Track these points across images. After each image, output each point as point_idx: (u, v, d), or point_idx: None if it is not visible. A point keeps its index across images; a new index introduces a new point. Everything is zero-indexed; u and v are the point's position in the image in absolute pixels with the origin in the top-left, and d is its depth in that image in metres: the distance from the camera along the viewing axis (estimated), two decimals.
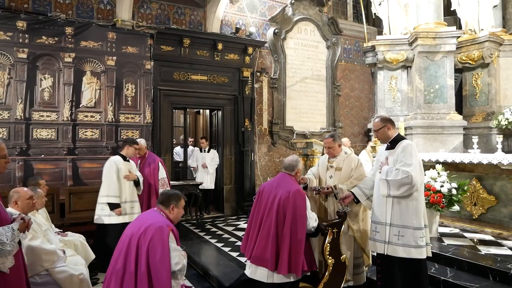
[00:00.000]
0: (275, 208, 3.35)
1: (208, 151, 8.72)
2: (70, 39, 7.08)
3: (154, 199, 5.58)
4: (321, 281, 3.48)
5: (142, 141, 5.91)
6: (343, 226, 3.71)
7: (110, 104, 7.45)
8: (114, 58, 7.48)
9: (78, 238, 4.69)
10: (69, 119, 7.09)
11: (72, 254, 4.18)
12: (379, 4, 10.01)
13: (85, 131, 7.26)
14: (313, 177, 4.22)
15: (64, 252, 3.93)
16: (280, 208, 3.34)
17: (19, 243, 2.59)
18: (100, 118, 7.39)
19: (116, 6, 7.79)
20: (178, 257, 2.85)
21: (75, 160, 7.11)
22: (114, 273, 2.82)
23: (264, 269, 3.32)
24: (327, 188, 3.97)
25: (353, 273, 4.02)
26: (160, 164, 6.00)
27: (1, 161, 2.63)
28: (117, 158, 5.25)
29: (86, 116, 7.29)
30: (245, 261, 3.73)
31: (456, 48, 8.96)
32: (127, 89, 7.66)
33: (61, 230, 4.85)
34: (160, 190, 5.64)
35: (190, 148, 9.77)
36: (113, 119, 7.46)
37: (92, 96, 7.33)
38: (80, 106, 7.23)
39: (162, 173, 5.96)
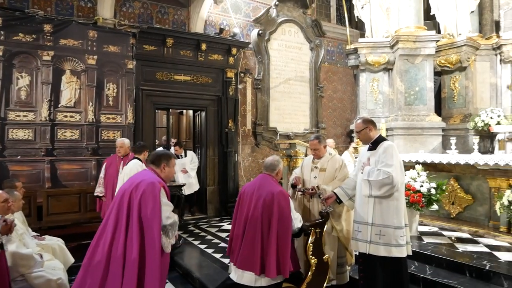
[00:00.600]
0: (260, 210, 3.31)
1: (185, 155, 8.61)
2: (48, 37, 6.93)
3: None
4: (304, 281, 3.50)
5: (126, 141, 5.84)
6: (326, 226, 3.74)
7: (91, 104, 7.32)
8: (95, 57, 7.35)
9: (56, 242, 4.59)
10: (48, 119, 6.93)
11: (49, 258, 4.09)
12: (362, 8, 10.16)
13: (64, 132, 7.12)
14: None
15: (41, 256, 3.84)
16: (264, 210, 3.30)
17: (2, 246, 2.53)
18: (80, 118, 7.26)
19: (97, 4, 7.66)
20: (169, 212, 2.85)
21: (53, 162, 6.95)
22: (105, 229, 2.81)
23: (251, 273, 3.29)
24: (311, 189, 4.00)
25: (337, 272, 4.06)
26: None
27: None
28: (139, 162, 5.26)
29: (66, 116, 7.14)
30: (228, 263, 3.70)
31: (436, 51, 9.18)
32: (109, 89, 7.55)
33: (38, 234, 4.74)
34: None
35: (172, 149, 9.68)
36: (94, 119, 7.34)
37: (71, 95, 7.19)
38: (59, 106, 7.08)
39: None
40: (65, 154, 7.09)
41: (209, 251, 5.86)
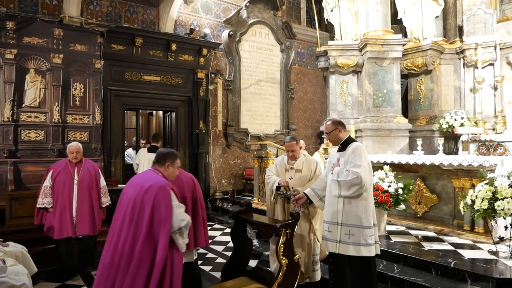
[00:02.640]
0: (191, 195, 3.50)
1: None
2: (11, 35, 6.65)
3: (97, 213, 5.06)
4: (275, 282, 3.51)
5: (80, 145, 5.18)
6: (296, 227, 3.76)
7: (56, 104, 7.08)
8: (61, 55, 7.12)
9: (20, 249, 4.39)
10: (10, 119, 6.65)
11: (13, 263, 3.92)
12: (331, 11, 10.32)
13: (29, 133, 6.85)
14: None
15: (4, 262, 3.67)
16: (191, 194, 3.51)
17: None
18: (45, 119, 7.01)
19: (63, 1, 7.43)
20: (182, 214, 2.89)
21: (17, 163, 6.67)
22: (119, 237, 2.83)
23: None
24: (295, 194, 3.99)
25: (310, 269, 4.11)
26: (99, 171, 5.41)
27: None
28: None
29: (30, 117, 6.88)
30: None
31: (402, 55, 9.44)
32: (75, 89, 7.33)
33: (1, 239, 4.53)
34: (102, 200, 5.19)
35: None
36: (60, 120, 7.10)
37: (36, 95, 6.93)
38: (23, 105, 6.81)
39: (103, 181, 5.31)
40: (29, 155, 6.83)
41: None
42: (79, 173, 4.98)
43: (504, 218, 4.33)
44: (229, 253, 5.02)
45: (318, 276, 4.20)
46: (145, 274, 2.72)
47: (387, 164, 6.00)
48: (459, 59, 10.15)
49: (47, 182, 4.95)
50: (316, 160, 4.41)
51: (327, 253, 4.13)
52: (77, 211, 4.87)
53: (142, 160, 6.95)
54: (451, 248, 4.77)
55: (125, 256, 2.76)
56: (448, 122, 9.17)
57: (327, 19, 10.73)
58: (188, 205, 3.39)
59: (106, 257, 2.86)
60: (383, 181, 5.37)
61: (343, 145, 3.61)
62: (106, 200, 5.25)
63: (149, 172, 3.10)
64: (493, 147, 8.23)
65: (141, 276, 2.71)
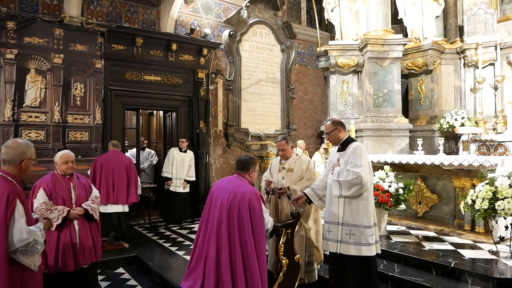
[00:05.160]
0: (129, 169, 5.86)
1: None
2: (12, 34, 6.65)
3: (98, 235, 4.17)
4: (275, 282, 3.51)
5: (71, 154, 4.17)
6: (296, 227, 3.76)
7: (57, 104, 7.08)
8: (61, 55, 7.12)
9: None
10: (11, 119, 6.65)
11: None
12: (332, 10, 10.33)
13: (29, 133, 6.85)
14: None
15: None
16: (129, 168, 5.85)
17: (45, 242, 2.73)
18: (45, 119, 7.01)
19: (63, 1, 7.43)
20: (268, 217, 3.24)
21: None
22: (210, 239, 3.11)
23: None
24: (280, 189, 4.03)
25: (305, 270, 4.10)
26: (91, 183, 4.43)
27: (30, 162, 2.88)
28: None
29: (30, 117, 6.88)
30: None
31: (403, 55, 9.45)
32: (76, 89, 7.33)
33: None
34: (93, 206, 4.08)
35: (146, 150, 9.58)
36: (60, 120, 7.10)
37: (37, 95, 6.93)
38: (24, 105, 6.81)
39: (95, 191, 4.33)
40: None
41: (180, 253, 5.80)
42: (75, 190, 4.05)
43: (505, 218, 4.33)
44: None
45: (314, 277, 4.21)
46: (257, 274, 3.01)
47: (387, 164, 6.01)
48: (460, 59, 10.15)
49: (40, 204, 3.72)
50: (309, 159, 4.44)
51: (322, 258, 4.17)
52: (79, 235, 3.88)
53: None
54: (452, 248, 4.77)
55: (232, 259, 3.01)
56: (448, 122, 9.17)
57: (327, 19, 10.74)
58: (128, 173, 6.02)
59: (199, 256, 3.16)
60: (384, 181, 5.37)
61: (343, 145, 3.62)
62: (95, 207, 4.09)
63: (235, 178, 3.29)
64: (493, 147, 8.23)
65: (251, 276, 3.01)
